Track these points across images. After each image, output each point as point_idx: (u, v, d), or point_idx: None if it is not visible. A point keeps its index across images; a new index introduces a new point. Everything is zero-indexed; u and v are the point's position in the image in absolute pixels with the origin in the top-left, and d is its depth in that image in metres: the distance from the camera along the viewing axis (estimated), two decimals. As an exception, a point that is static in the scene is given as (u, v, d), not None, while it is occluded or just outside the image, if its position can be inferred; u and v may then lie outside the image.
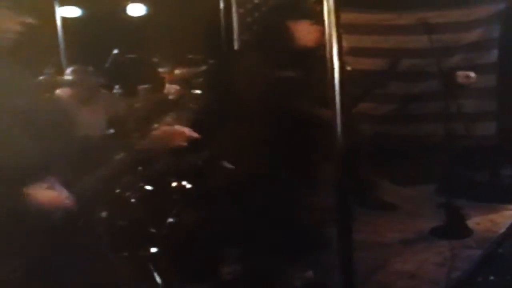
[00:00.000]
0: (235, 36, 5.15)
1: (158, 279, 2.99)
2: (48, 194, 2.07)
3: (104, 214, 2.83)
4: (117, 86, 4.28)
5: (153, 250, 3.12)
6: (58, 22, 4.96)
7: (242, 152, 3.24)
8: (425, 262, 3.78)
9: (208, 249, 3.42)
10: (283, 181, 3.42)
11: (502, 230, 4.22)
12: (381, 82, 4.73)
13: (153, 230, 3.22)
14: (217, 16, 4.84)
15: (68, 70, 4.34)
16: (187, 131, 2.43)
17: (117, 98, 4.26)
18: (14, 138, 2.03)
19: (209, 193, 3.58)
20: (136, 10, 5.01)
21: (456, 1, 5.36)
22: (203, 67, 4.23)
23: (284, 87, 3.27)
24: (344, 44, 2.08)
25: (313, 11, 3.46)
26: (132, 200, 3.14)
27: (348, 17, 4.77)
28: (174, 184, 3.63)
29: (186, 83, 4.38)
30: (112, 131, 3.66)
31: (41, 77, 3.66)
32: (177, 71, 4.53)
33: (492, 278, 3.45)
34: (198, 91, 2.67)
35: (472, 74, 4.34)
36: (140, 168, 2.65)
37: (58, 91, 3.98)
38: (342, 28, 2.06)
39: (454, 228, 4.18)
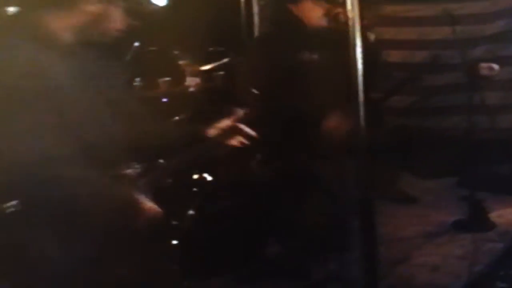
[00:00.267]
0: (256, 28, 5.14)
1: (180, 271, 3.00)
2: (152, 208, 2.13)
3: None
4: (138, 79, 4.29)
5: (174, 242, 3.13)
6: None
7: (265, 143, 3.24)
8: (447, 255, 3.78)
9: (230, 241, 3.43)
10: (307, 173, 3.42)
11: (525, 223, 4.19)
12: (417, 75, 4.72)
13: (174, 222, 3.23)
14: (238, 8, 4.83)
15: None
16: (249, 131, 2.52)
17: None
18: (109, 126, 2.11)
19: (231, 185, 3.59)
20: (156, 2, 5.01)
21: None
22: (224, 60, 4.24)
23: (307, 71, 3.26)
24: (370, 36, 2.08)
25: None
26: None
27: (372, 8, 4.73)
28: (195, 176, 3.65)
29: (206, 76, 4.41)
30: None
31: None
32: (198, 64, 4.55)
33: (513, 271, 3.43)
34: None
35: (495, 66, 4.29)
36: (161, 161, 2.66)
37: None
38: (366, 20, 2.05)
39: (476, 221, 4.16)
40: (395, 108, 5.31)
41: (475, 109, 4.27)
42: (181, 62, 4.59)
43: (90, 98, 2.05)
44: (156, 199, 2.81)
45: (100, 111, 2.09)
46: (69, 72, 2.00)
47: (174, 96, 4.37)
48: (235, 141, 2.56)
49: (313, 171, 3.42)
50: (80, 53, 2.08)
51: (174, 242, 3.06)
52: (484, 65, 4.26)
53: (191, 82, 4.50)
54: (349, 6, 2.04)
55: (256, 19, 5.11)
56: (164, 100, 4.36)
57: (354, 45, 2.03)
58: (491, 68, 4.25)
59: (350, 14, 2.03)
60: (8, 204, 1.88)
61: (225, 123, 2.52)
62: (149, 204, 2.14)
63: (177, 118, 3.92)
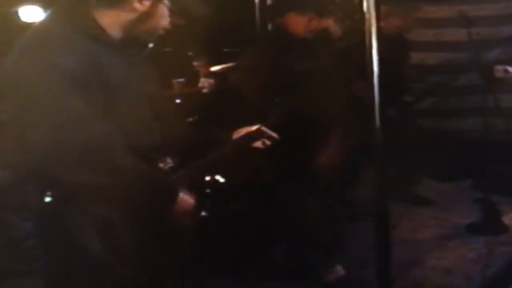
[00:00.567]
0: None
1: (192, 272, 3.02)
2: (189, 202, 2.20)
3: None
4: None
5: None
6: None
7: (276, 145, 3.26)
8: (461, 258, 3.76)
9: (242, 242, 3.44)
10: (319, 175, 3.43)
11: (539, 227, 4.16)
12: (450, 78, 4.72)
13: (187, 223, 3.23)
14: (252, 9, 4.84)
15: None
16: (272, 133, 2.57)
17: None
18: (149, 121, 2.16)
19: (243, 187, 3.60)
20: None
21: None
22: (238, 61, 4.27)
23: (301, 80, 3.31)
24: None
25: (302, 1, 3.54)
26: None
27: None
28: (207, 178, 3.66)
29: (221, 77, 4.42)
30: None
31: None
32: (212, 65, 4.56)
33: (527, 275, 3.41)
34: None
35: (510, 69, 4.26)
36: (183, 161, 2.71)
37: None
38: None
39: (490, 224, 4.14)
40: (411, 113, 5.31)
41: (490, 111, 4.25)
42: (195, 63, 4.61)
43: (133, 94, 2.09)
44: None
45: (143, 107, 2.14)
46: (117, 67, 2.03)
47: (187, 97, 4.39)
48: (258, 143, 2.59)
49: (315, 172, 3.45)
50: (127, 50, 2.11)
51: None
52: (499, 67, 4.23)
53: (205, 83, 4.52)
54: (365, 8, 2.03)
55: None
56: (178, 101, 4.38)
57: (371, 47, 2.03)
58: (506, 71, 4.23)
59: (366, 16, 2.02)
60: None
61: (249, 125, 2.55)
62: (184, 195, 2.19)
63: (190, 119, 3.95)
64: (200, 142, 2.50)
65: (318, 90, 3.25)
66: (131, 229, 2.01)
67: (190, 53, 4.64)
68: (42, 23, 2.06)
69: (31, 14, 4.12)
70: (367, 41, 2.00)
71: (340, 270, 3.53)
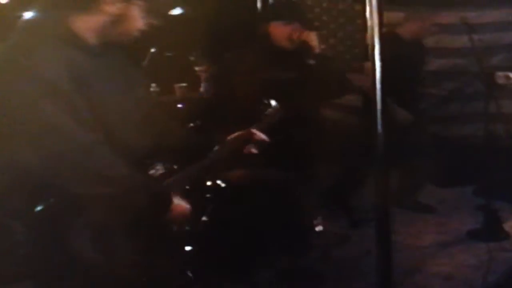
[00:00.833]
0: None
1: (193, 277, 3.01)
2: (182, 205, 2.20)
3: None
4: (153, 84, 4.31)
5: (188, 248, 3.13)
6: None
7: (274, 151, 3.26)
8: (462, 265, 3.75)
9: (243, 247, 3.43)
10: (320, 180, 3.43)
11: (540, 234, 4.16)
12: (466, 85, 4.75)
13: (187, 228, 3.23)
14: (254, 14, 4.85)
15: None
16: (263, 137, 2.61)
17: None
18: (135, 127, 2.15)
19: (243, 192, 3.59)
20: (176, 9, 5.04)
21: (498, 1, 5.27)
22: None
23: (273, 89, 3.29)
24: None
25: (289, 11, 3.58)
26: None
27: (388, 16, 4.76)
28: (208, 183, 3.66)
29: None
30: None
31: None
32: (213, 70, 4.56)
33: (528, 282, 3.41)
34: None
35: (511, 75, 4.27)
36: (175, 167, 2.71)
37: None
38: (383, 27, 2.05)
39: (491, 230, 4.13)
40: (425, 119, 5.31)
41: (492, 117, 4.25)
42: (197, 68, 4.62)
43: (117, 99, 2.09)
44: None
45: (127, 112, 2.13)
46: (96, 72, 2.03)
47: (189, 101, 4.39)
48: (250, 147, 2.59)
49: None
50: (105, 54, 2.11)
51: (187, 248, 3.06)
52: (500, 74, 4.25)
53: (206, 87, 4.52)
54: (368, 13, 2.03)
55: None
56: (180, 105, 4.38)
57: (373, 53, 2.03)
58: (508, 77, 4.23)
59: (369, 21, 2.02)
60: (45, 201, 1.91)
61: (241, 130, 2.56)
62: (178, 201, 2.19)
63: (191, 124, 3.94)
64: (195, 147, 2.49)
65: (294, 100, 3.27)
66: (124, 236, 1.99)
67: (191, 58, 4.65)
68: (18, 31, 2.04)
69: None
70: (369, 48, 2.00)
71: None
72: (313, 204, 3.64)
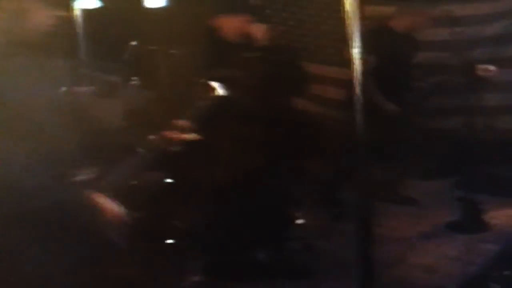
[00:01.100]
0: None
1: (179, 271, 3.01)
2: (112, 207, 2.13)
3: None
4: (135, 78, 4.27)
5: (172, 241, 3.13)
6: (77, 14, 4.98)
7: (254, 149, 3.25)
8: (442, 256, 3.80)
9: (229, 241, 3.43)
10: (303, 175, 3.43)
11: (519, 225, 4.21)
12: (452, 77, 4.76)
13: (174, 223, 3.22)
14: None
15: (87, 64, 4.35)
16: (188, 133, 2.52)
17: (136, 91, 4.25)
18: (57, 130, 2.06)
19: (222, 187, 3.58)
20: (154, 1, 5.02)
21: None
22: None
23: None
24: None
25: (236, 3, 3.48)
26: (151, 193, 3.15)
27: (376, 10, 4.78)
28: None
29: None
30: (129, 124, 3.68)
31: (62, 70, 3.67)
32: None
33: (507, 273, 3.43)
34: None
35: (491, 68, 4.30)
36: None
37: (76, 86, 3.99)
38: (365, 21, 2.05)
39: (471, 222, 4.18)
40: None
41: (473, 110, 4.29)
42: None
43: (34, 102, 1.97)
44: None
45: (46, 114, 2.02)
46: (8, 74, 1.93)
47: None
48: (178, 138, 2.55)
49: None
50: (15, 55, 1.99)
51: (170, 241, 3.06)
52: (481, 66, 4.27)
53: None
54: (348, 5, 2.03)
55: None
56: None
57: (352, 47, 2.03)
58: (488, 70, 4.26)
59: (349, 13, 2.02)
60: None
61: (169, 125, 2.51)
62: (110, 205, 2.12)
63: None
64: (122, 147, 2.45)
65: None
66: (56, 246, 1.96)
67: (173, 51, 4.61)
68: None
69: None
70: (348, 41, 2.00)
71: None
72: (295, 197, 3.64)
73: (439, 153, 5.06)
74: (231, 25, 3.39)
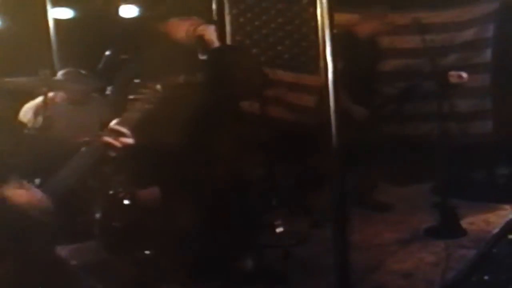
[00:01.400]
0: (229, 37, 5.15)
1: (154, 281, 2.98)
2: (21, 193, 2.08)
3: (98, 215, 2.82)
4: (110, 88, 4.25)
5: (148, 252, 3.10)
6: (51, 23, 4.95)
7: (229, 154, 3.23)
8: (420, 262, 3.79)
9: (206, 249, 3.41)
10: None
11: (496, 229, 4.23)
12: (419, 84, 4.78)
13: (147, 232, 3.20)
14: (210, 17, 4.82)
15: (60, 73, 4.31)
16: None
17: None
18: None
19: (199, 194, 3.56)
20: (128, 11, 5.02)
21: (450, 1, 5.36)
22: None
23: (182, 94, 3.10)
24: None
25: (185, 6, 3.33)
26: (126, 202, 3.12)
27: (341, 18, 4.80)
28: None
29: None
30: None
31: (34, 78, 3.62)
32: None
33: (486, 277, 3.45)
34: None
35: (463, 74, 4.34)
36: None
37: (50, 94, 3.95)
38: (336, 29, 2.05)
39: (448, 227, 4.19)
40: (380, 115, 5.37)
41: (447, 116, 4.32)
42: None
43: None
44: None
45: None
46: None
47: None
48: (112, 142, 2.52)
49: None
50: None
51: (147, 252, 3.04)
52: (453, 73, 4.31)
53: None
54: (318, 14, 2.04)
55: (228, 27, 5.13)
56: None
57: (324, 53, 2.03)
58: (460, 76, 4.30)
59: (319, 21, 2.02)
60: None
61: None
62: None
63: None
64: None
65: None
66: None
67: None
68: None
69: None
70: (320, 48, 2.01)
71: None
72: (271, 204, 3.62)
73: (414, 158, 5.08)
74: (181, 28, 3.27)
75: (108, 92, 4.14)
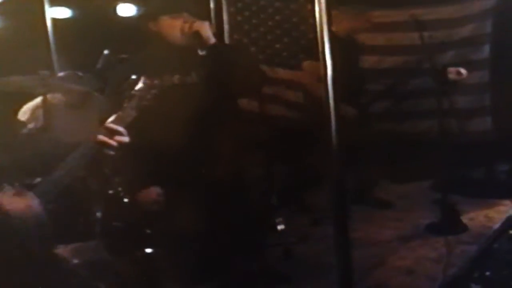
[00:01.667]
0: (226, 35, 5.15)
1: (155, 280, 2.98)
2: (17, 201, 2.07)
3: (98, 214, 2.82)
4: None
5: (148, 250, 3.10)
6: (48, 23, 4.94)
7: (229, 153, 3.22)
8: (422, 258, 3.79)
9: (205, 249, 3.40)
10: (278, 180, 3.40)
11: (497, 225, 4.23)
12: (404, 80, 4.76)
13: (148, 231, 3.19)
14: (208, 15, 4.82)
15: (59, 75, 4.31)
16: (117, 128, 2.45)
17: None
18: None
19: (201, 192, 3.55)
20: (126, 10, 5.02)
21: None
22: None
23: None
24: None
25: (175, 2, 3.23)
26: (126, 201, 3.12)
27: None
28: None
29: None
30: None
31: (33, 78, 3.62)
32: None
33: (488, 273, 3.45)
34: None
35: (462, 71, 4.34)
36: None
37: (49, 96, 3.95)
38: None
39: (449, 224, 4.19)
40: (369, 114, 5.37)
41: (446, 113, 4.31)
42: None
43: None
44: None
45: None
46: None
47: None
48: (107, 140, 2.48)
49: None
50: None
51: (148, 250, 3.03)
52: (452, 69, 4.31)
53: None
54: (317, 12, 2.03)
55: (226, 26, 5.13)
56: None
57: (324, 52, 2.03)
58: (459, 73, 4.30)
59: (318, 20, 2.02)
60: None
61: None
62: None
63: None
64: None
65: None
66: None
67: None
68: None
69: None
70: (319, 46, 2.00)
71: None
72: (272, 203, 3.62)
73: (414, 156, 5.09)
74: (175, 26, 3.16)
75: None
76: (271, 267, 3.62)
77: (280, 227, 4.00)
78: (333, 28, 4.63)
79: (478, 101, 5.32)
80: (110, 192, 2.98)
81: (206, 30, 3.14)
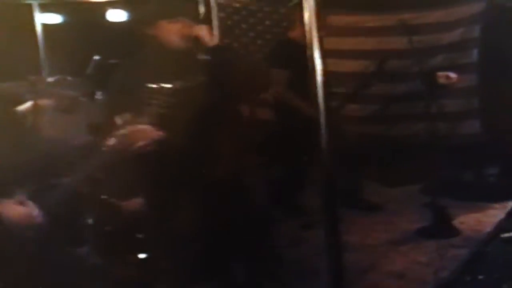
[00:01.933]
0: (216, 40, 5.14)
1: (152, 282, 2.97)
2: (18, 210, 2.05)
3: (90, 220, 2.81)
4: (99, 93, 4.23)
5: (141, 255, 3.09)
6: (38, 29, 4.94)
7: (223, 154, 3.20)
8: (413, 262, 3.80)
9: (199, 254, 3.39)
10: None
11: (488, 228, 4.24)
12: (368, 83, 4.76)
13: (139, 236, 3.18)
14: (197, 20, 4.82)
15: (49, 80, 4.29)
16: (152, 131, 2.43)
17: (99, 106, 4.21)
18: None
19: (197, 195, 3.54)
20: (115, 15, 5.02)
21: (436, 2, 5.39)
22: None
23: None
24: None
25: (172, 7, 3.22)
26: (118, 205, 3.11)
27: (329, 19, 4.80)
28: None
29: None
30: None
31: (22, 83, 3.61)
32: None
33: (480, 277, 3.45)
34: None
35: (452, 74, 4.36)
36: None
37: (39, 101, 3.94)
38: (323, 30, 2.05)
39: (440, 227, 4.20)
40: (357, 117, 5.38)
41: (435, 117, 4.33)
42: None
43: None
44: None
45: None
46: None
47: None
48: (138, 144, 2.49)
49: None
50: None
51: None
52: (441, 73, 4.32)
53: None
54: (306, 17, 2.04)
55: (216, 31, 5.13)
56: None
57: (312, 56, 2.03)
58: (448, 77, 4.32)
59: (307, 25, 2.02)
60: None
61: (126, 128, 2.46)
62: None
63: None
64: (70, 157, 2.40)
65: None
66: None
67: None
68: None
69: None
70: (308, 51, 2.01)
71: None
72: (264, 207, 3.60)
73: (403, 159, 5.10)
74: (173, 30, 3.17)
75: (97, 96, 4.13)
76: (263, 270, 3.61)
77: (271, 229, 3.99)
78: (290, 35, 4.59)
79: (467, 104, 5.35)
80: (103, 197, 2.97)
81: (206, 34, 3.17)
